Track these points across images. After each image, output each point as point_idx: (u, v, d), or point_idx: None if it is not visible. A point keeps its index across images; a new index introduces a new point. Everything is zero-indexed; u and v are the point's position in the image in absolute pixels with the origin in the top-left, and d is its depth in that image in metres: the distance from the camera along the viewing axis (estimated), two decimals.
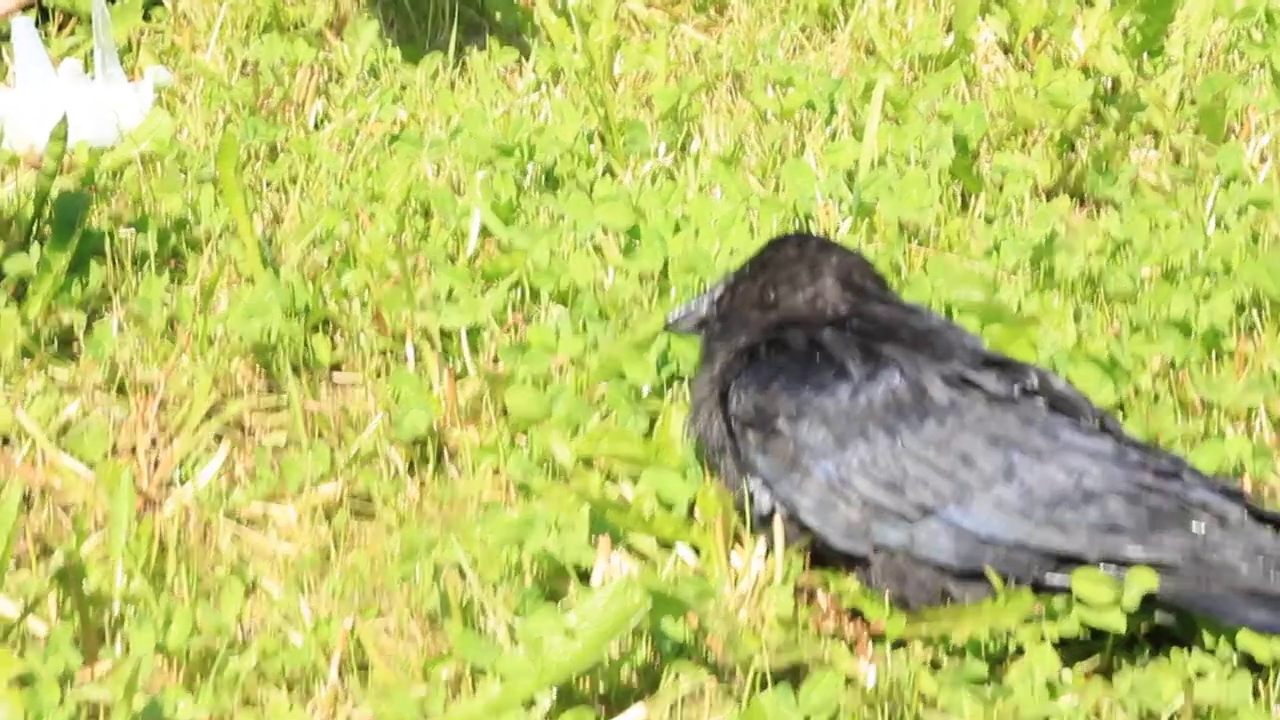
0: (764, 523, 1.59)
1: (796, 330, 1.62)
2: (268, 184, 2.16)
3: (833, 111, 2.34)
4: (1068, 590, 1.49)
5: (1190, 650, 1.49)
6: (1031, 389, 1.57)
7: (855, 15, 2.63)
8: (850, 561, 1.56)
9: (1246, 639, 1.46)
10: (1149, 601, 1.49)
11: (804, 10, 2.67)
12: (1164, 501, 1.51)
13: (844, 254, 1.70)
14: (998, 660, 1.52)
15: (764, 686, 1.45)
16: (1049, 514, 1.50)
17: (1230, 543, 1.49)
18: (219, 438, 1.76)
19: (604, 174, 2.22)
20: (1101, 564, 1.49)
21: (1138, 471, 1.52)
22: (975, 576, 1.51)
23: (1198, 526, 1.50)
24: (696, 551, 1.61)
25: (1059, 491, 1.50)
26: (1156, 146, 2.35)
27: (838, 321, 1.63)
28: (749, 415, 1.58)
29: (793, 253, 1.69)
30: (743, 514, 1.62)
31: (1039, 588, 1.50)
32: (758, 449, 1.57)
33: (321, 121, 2.29)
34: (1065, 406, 1.56)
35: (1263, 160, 2.28)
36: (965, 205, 2.19)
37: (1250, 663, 1.48)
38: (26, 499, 1.67)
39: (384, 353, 1.89)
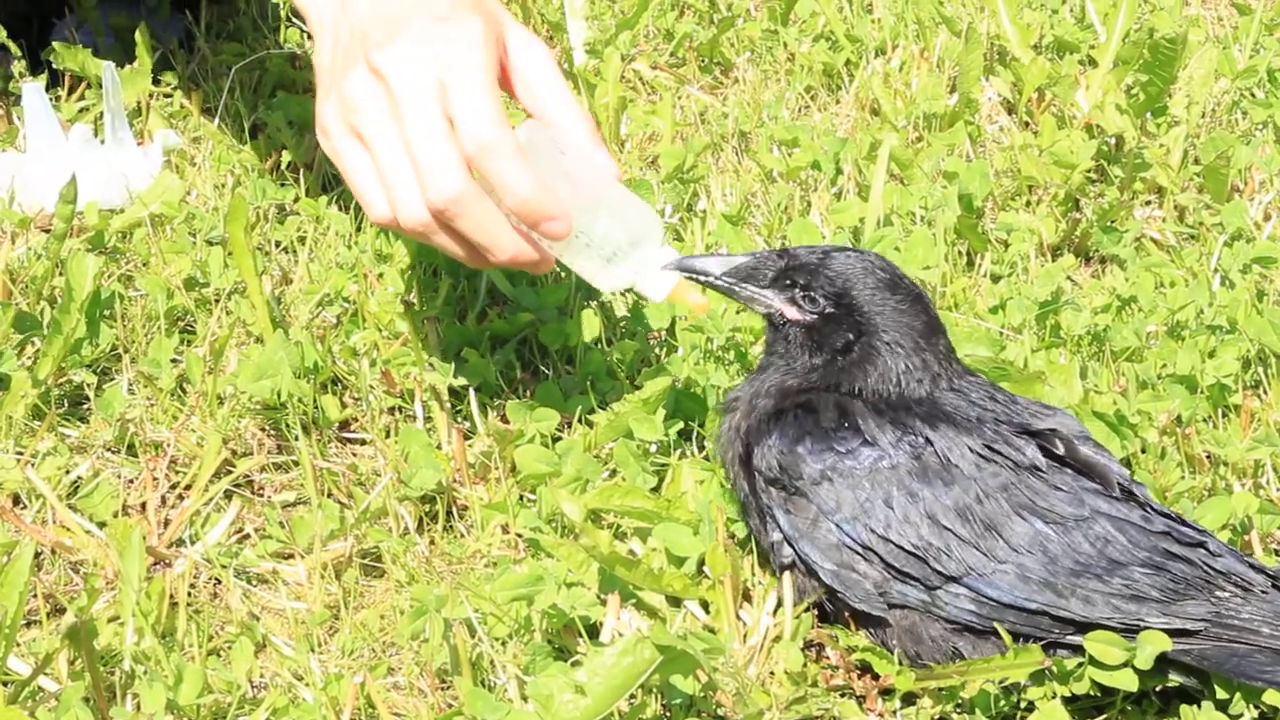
0: (786, 570, 1.59)
1: (827, 394, 1.62)
2: (277, 245, 2.17)
3: (838, 171, 2.36)
4: (1082, 648, 1.49)
5: (1199, 705, 1.49)
6: (1058, 456, 1.57)
7: (860, 76, 2.65)
8: (863, 619, 1.56)
9: (1272, 696, 1.46)
10: (1170, 665, 1.49)
11: (808, 71, 2.69)
12: (1189, 570, 1.51)
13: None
14: (1008, 717, 1.52)
15: None
16: (1073, 584, 1.49)
17: (1252, 606, 1.49)
18: (229, 496, 1.77)
19: None
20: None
21: (1163, 540, 1.52)
22: (990, 633, 1.51)
23: (1222, 594, 1.50)
24: (706, 607, 1.61)
25: (1083, 561, 1.50)
26: (1161, 205, 2.36)
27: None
28: (773, 473, 1.58)
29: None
30: (752, 570, 1.62)
31: (1056, 645, 1.50)
32: (781, 507, 1.57)
33: (330, 183, 2.30)
34: (1092, 473, 1.56)
35: (1266, 218, 2.29)
36: (971, 263, 2.20)
37: (1260, 719, 1.48)
38: (37, 558, 1.67)
39: (393, 411, 1.89)
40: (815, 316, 1.62)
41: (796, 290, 1.63)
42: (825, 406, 1.59)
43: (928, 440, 1.55)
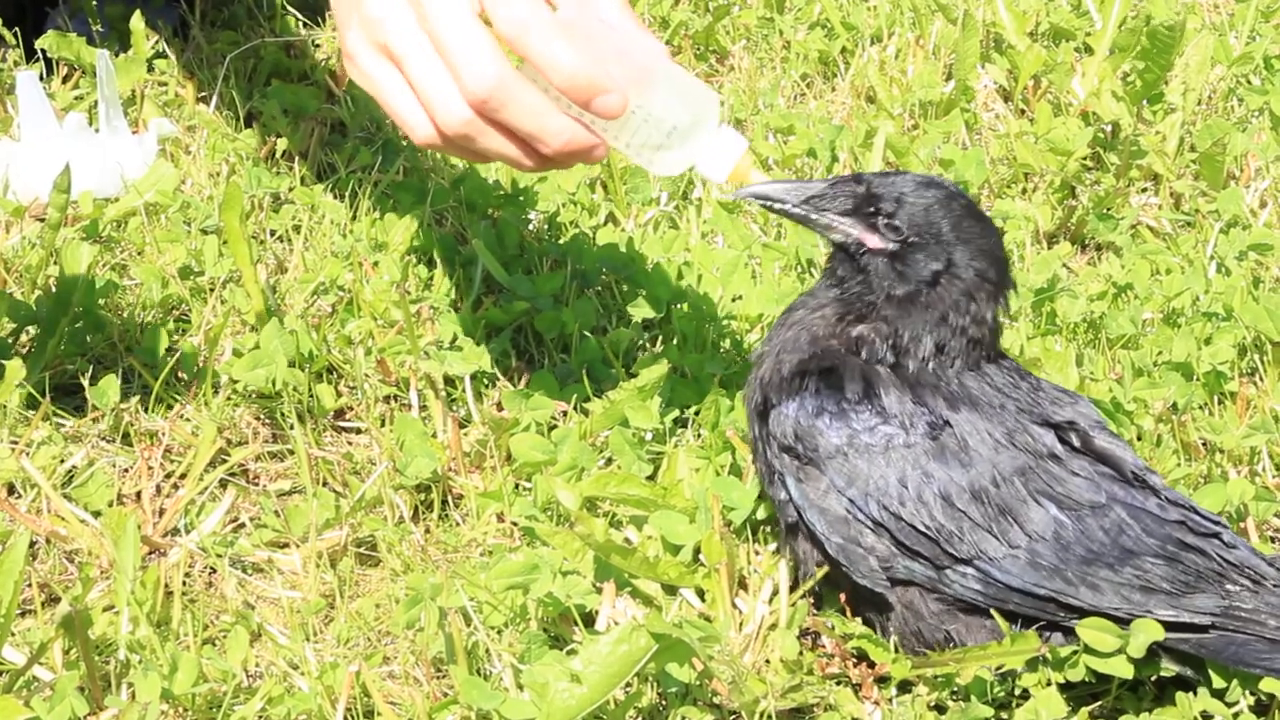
0: (790, 531, 1.58)
1: (853, 362, 1.58)
2: (272, 233, 2.17)
3: (834, 159, 2.35)
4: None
5: (1195, 693, 1.49)
6: (1074, 445, 1.56)
7: (856, 63, 2.64)
8: (861, 595, 1.55)
9: (1269, 684, 1.46)
10: (1166, 653, 1.49)
11: (804, 58, 2.68)
12: (1202, 561, 1.50)
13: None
14: (1003, 704, 1.52)
15: None
16: (1083, 572, 1.49)
17: (1261, 597, 1.49)
18: (224, 485, 1.77)
19: (606, 221, 2.23)
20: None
21: (1177, 529, 1.51)
22: (989, 615, 1.51)
23: (1233, 587, 1.49)
24: (701, 595, 1.61)
25: (1096, 549, 1.49)
26: (1157, 192, 2.36)
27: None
28: (788, 440, 1.56)
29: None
30: (748, 558, 1.62)
31: (1056, 628, 1.50)
32: (793, 475, 1.56)
33: (325, 171, 2.30)
34: (1108, 462, 1.55)
35: (1262, 205, 2.29)
36: None
37: (1258, 707, 1.48)
38: (32, 547, 1.67)
39: (388, 399, 1.89)
40: (898, 245, 1.55)
41: (880, 218, 1.56)
42: (849, 378, 1.56)
43: (946, 421, 1.53)
